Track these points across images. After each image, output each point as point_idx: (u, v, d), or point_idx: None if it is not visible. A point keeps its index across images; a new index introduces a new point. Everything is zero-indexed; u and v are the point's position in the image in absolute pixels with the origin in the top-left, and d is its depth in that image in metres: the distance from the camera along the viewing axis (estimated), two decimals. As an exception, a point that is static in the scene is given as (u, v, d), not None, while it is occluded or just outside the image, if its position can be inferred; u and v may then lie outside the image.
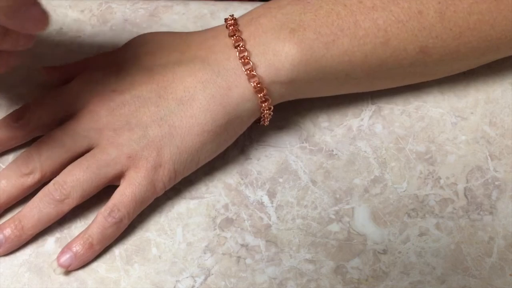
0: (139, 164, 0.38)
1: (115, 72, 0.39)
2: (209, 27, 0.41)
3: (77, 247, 0.38)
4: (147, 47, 0.40)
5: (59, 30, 0.47)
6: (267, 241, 0.39)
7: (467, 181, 0.41)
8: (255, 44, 0.38)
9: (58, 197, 0.37)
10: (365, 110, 0.43)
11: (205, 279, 0.38)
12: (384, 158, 0.42)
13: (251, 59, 0.38)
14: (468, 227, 0.40)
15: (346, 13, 0.38)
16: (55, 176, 0.38)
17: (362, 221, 0.40)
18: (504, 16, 0.38)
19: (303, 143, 0.43)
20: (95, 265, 0.39)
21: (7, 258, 0.39)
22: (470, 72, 0.43)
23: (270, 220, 0.40)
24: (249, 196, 0.41)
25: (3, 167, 0.40)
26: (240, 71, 0.38)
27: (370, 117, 0.43)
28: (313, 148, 0.42)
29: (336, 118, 0.43)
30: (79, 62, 0.42)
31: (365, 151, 0.42)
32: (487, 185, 0.41)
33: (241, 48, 0.38)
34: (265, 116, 0.40)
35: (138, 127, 0.38)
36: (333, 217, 0.40)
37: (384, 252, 0.39)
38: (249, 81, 0.38)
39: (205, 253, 0.39)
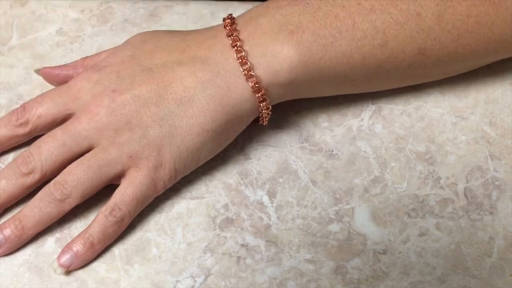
0: (140, 164, 0.38)
1: (115, 72, 0.39)
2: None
3: (77, 247, 0.38)
4: (147, 46, 0.40)
5: (59, 30, 0.47)
6: (267, 241, 0.39)
7: (467, 181, 0.41)
8: (253, 45, 0.38)
9: (58, 197, 0.37)
10: (365, 110, 0.43)
11: (205, 279, 0.38)
12: (384, 158, 0.42)
13: (250, 60, 0.38)
14: (468, 227, 0.40)
15: (345, 15, 0.38)
16: (55, 176, 0.38)
17: (362, 221, 0.40)
18: (502, 18, 0.38)
19: (303, 143, 0.42)
20: (95, 265, 0.39)
21: (7, 258, 0.39)
22: (470, 73, 0.43)
23: (270, 220, 0.40)
24: (249, 196, 0.41)
25: (3, 167, 0.40)
26: (239, 72, 0.38)
27: (370, 117, 0.43)
28: (313, 148, 0.42)
29: (336, 118, 0.43)
30: (78, 61, 0.42)
31: (365, 151, 0.42)
32: (487, 185, 0.41)
33: (239, 48, 0.38)
34: (264, 115, 0.40)
35: (139, 127, 0.38)
36: (333, 217, 0.40)
37: (384, 252, 0.39)
38: (247, 81, 0.38)
39: (205, 253, 0.39)
